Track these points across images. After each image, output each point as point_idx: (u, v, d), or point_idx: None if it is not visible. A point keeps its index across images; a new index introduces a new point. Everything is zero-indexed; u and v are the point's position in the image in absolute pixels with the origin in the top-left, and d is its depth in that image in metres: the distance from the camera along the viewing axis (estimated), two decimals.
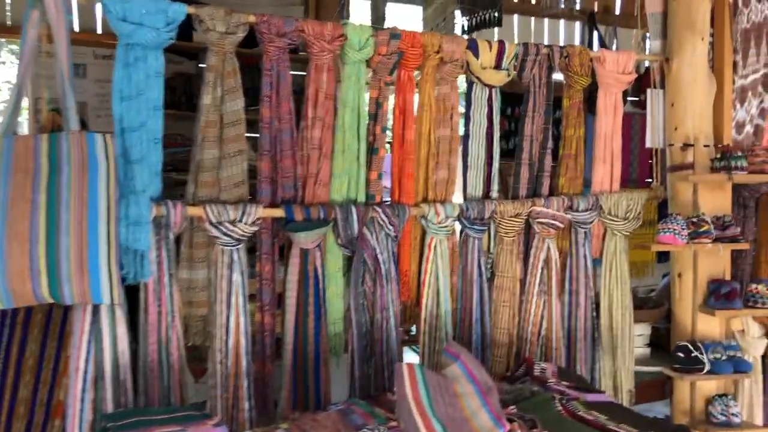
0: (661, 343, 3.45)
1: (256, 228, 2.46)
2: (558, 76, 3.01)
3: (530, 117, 2.91)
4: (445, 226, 2.75)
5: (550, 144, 2.95)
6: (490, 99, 2.88)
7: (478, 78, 2.85)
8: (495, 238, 2.89)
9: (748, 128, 3.28)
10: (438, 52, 2.74)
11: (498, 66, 2.86)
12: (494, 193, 2.90)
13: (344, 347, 2.68)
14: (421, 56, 2.73)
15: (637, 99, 5.22)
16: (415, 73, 2.78)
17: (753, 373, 3.22)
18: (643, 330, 3.36)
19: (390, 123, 2.78)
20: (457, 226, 2.86)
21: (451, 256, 2.82)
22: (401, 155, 2.75)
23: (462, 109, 2.89)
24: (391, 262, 2.65)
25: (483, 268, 2.83)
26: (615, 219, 2.97)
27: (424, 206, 2.75)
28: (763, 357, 3.29)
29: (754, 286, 2.93)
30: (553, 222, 2.87)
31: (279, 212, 2.51)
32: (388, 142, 2.97)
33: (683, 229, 2.84)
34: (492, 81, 2.85)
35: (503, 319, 2.86)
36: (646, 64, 3.99)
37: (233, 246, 2.43)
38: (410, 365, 2.32)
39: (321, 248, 2.57)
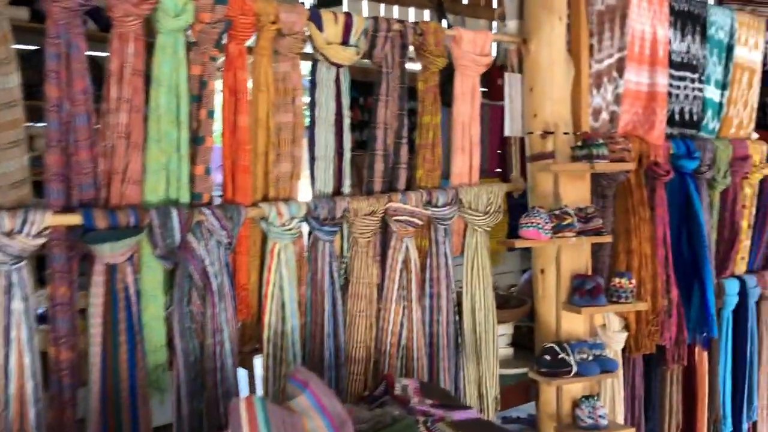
0: (523, 343, 3.26)
1: (42, 240, 1.90)
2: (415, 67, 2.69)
3: (383, 102, 2.55)
4: (290, 229, 2.33)
5: (405, 132, 2.61)
6: (337, 80, 2.49)
7: (323, 55, 2.44)
8: (348, 239, 2.52)
9: (605, 115, 3.14)
10: (275, 23, 2.30)
11: (345, 42, 2.46)
12: (346, 189, 2.52)
13: (169, 380, 2.19)
14: (253, 26, 2.26)
15: (485, 90, 5.06)
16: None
17: None
18: (505, 330, 3.13)
19: (219, 107, 2.30)
20: (305, 228, 2.44)
21: (298, 264, 2.40)
22: (234, 145, 2.28)
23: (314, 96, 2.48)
24: (224, 274, 2.18)
25: (336, 275, 2.44)
26: (476, 213, 2.70)
27: (263, 206, 2.30)
28: (623, 350, 3.20)
29: (617, 280, 2.79)
30: (412, 219, 2.54)
31: (75, 219, 1.96)
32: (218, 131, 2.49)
33: (546, 223, 2.62)
34: (339, 59, 2.46)
35: (359, 332, 2.49)
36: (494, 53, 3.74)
37: (12, 265, 1.86)
38: (249, 399, 1.88)
39: (133, 262, 2.05)
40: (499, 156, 5.16)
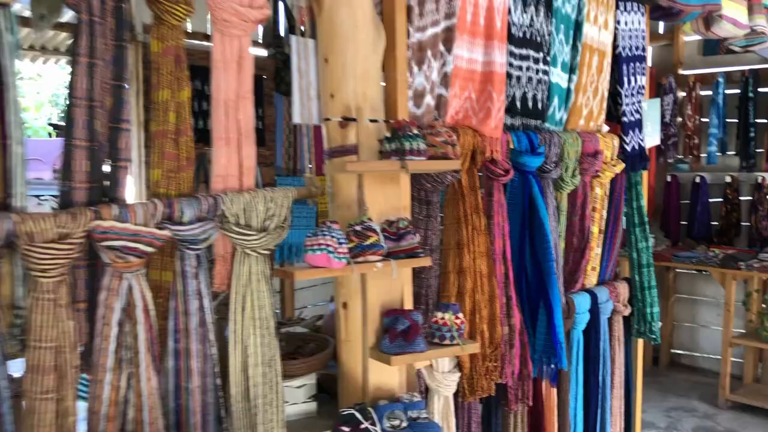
0: (332, 390, 2.49)
1: None
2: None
3: (84, 65, 1.66)
4: None
5: (128, 114, 1.75)
6: None
7: None
8: (24, 280, 1.63)
9: (429, 99, 2.43)
10: None
11: None
12: (17, 199, 1.62)
13: None
14: None
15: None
16: None
17: (446, 416, 2.43)
18: (306, 380, 2.34)
19: None
20: None
21: None
22: None
23: None
24: None
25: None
26: (247, 231, 1.89)
27: None
28: (455, 394, 2.52)
29: (440, 315, 2.08)
30: (136, 245, 1.69)
31: None
32: None
33: (341, 244, 1.86)
34: None
35: (45, 425, 1.61)
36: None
37: None
38: None
39: None
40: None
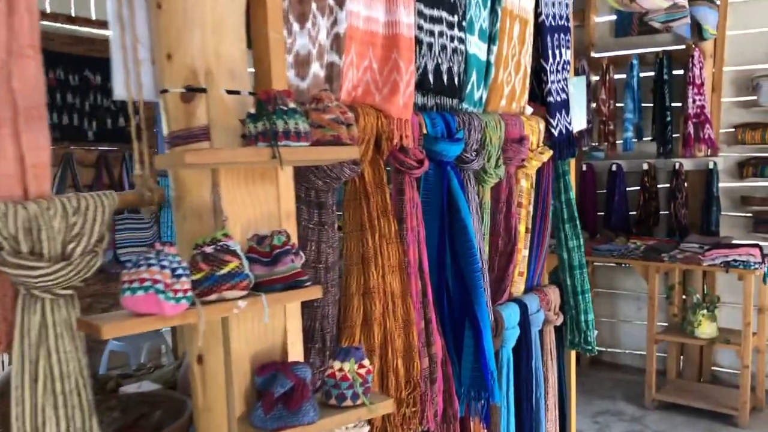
0: None
1: None
2: None
3: None
4: None
5: None
6: None
7: None
8: None
9: (317, 68, 1.81)
10: None
11: None
12: None
13: None
14: None
15: None
16: None
17: None
18: None
19: None
20: None
21: None
22: None
23: None
24: None
25: None
26: (33, 263, 1.20)
27: None
28: None
29: (337, 366, 1.46)
30: None
31: None
32: None
33: (178, 276, 1.22)
34: None
35: None
36: None
37: None
38: None
39: None
40: None
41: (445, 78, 2.24)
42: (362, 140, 1.82)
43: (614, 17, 5.56)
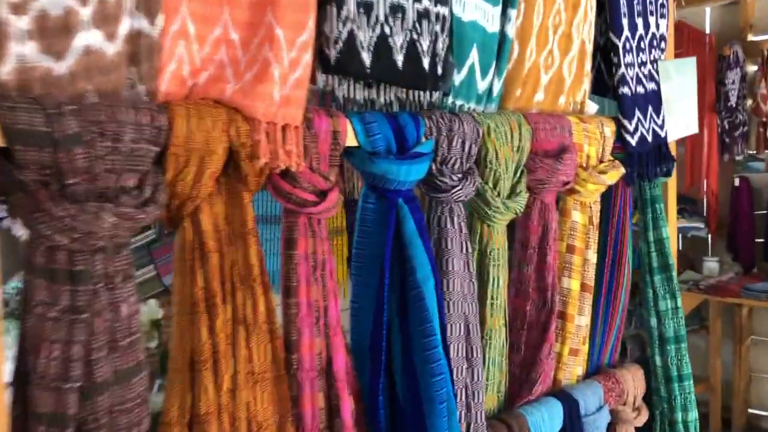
0: None
1: None
2: None
3: None
4: None
5: None
6: None
7: None
8: None
9: (95, 38, 1.06)
10: None
11: None
12: None
13: None
14: None
15: None
16: None
17: None
18: None
19: None
20: None
21: None
22: None
23: None
24: None
25: None
26: None
27: None
28: None
29: None
30: None
31: None
32: None
33: None
34: None
35: None
36: None
37: None
38: None
39: None
40: None
41: (399, 58, 1.38)
42: (182, 160, 1.04)
43: None
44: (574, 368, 1.85)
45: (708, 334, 4.44)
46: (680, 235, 4.65)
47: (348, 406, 1.23)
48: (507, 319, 1.65)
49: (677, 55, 4.52)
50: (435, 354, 1.29)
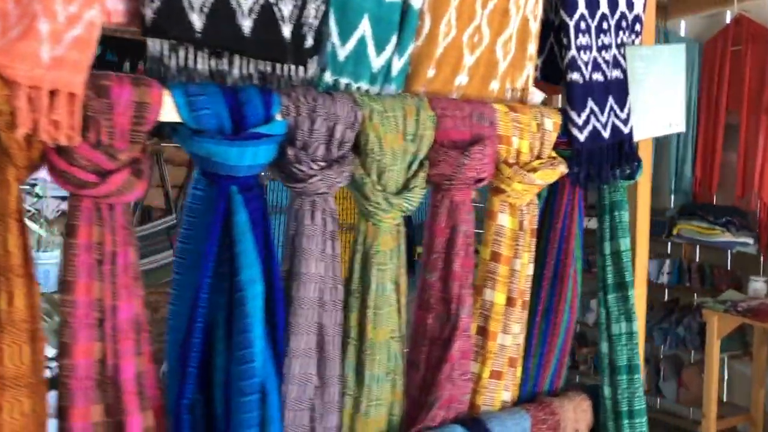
0: None
1: None
2: None
3: None
4: None
5: None
6: None
7: None
8: None
9: None
10: None
11: None
12: None
13: None
14: None
15: None
16: None
17: None
18: None
19: None
20: None
21: None
22: None
23: None
24: None
25: None
26: None
27: None
28: None
29: None
30: None
31: None
32: None
33: None
34: None
35: None
36: None
37: None
38: None
39: None
40: None
41: (246, 22, 1.18)
42: None
43: None
44: (496, 393, 1.59)
45: (752, 360, 3.97)
46: (728, 251, 4.18)
47: (137, 422, 1.05)
48: (403, 331, 1.42)
49: (735, 52, 4.07)
50: (248, 370, 1.08)
